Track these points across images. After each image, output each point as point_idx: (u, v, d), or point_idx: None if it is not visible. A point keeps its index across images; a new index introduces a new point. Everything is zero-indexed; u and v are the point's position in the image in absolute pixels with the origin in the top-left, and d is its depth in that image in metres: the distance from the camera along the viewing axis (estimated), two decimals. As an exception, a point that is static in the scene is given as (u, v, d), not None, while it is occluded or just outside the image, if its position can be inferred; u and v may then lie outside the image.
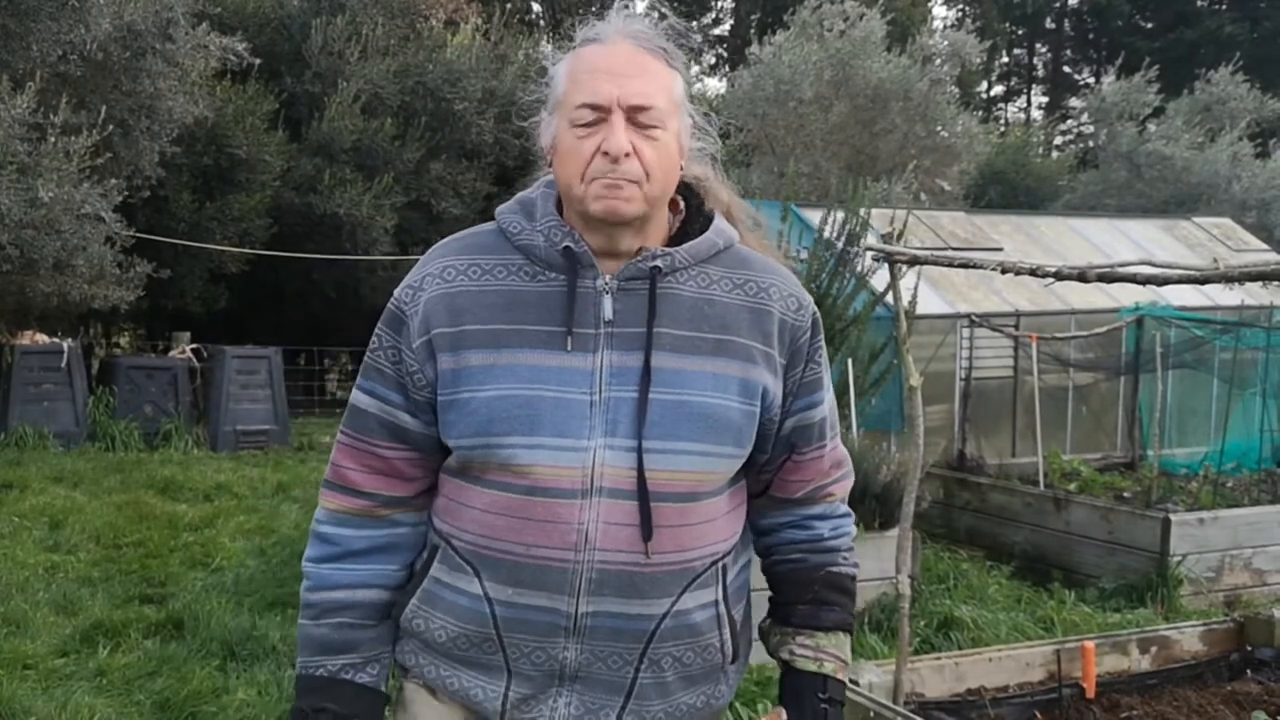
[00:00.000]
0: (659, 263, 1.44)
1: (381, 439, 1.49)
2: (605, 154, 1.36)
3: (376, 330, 1.50)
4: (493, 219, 1.53)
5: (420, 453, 1.49)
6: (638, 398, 1.39)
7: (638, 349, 1.41)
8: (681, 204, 1.53)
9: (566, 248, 1.43)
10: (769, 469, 1.55)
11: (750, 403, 1.45)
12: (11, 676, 4.02)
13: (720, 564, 1.48)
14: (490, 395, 1.39)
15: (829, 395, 1.57)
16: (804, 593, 1.58)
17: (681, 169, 1.48)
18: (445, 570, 1.47)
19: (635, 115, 1.38)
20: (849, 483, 1.65)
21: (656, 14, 1.47)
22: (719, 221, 1.52)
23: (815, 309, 1.54)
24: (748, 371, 1.45)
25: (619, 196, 1.38)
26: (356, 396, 1.52)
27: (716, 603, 1.48)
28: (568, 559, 1.38)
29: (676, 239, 1.50)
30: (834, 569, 1.60)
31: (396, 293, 1.49)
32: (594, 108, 1.38)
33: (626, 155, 1.36)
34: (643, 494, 1.38)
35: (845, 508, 1.64)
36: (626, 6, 1.47)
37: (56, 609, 4.88)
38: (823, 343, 1.55)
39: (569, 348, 1.40)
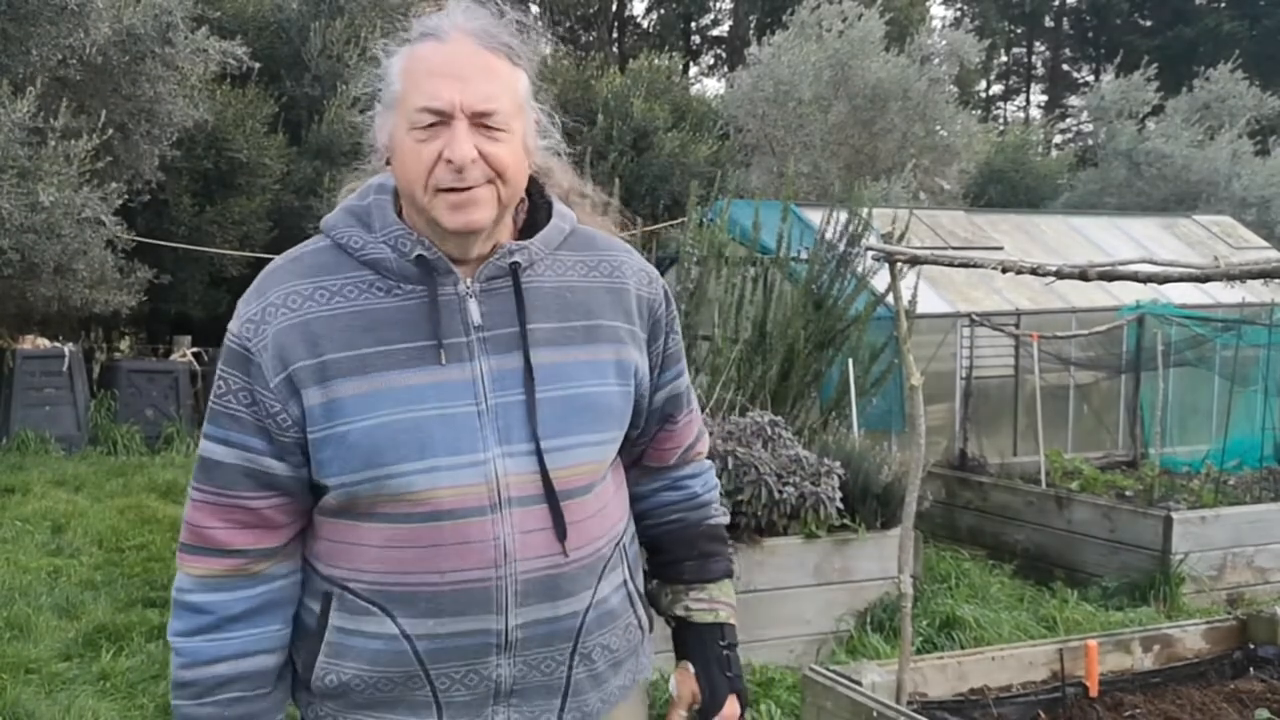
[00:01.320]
0: (518, 258, 1.39)
1: (246, 490, 1.36)
2: (449, 161, 1.30)
3: (220, 373, 1.38)
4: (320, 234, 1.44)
5: (290, 498, 1.39)
6: (525, 400, 1.35)
7: (514, 350, 1.37)
8: (524, 195, 1.47)
9: (420, 256, 1.35)
10: (642, 441, 1.58)
11: (626, 383, 1.45)
12: (15, 681, 4.02)
13: (621, 543, 1.50)
14: (370, 424, 1.31)
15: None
16: (689, 550, 1.61)
17: (530, 166, 1.43)
18: (346, 617, 1.37)
19: (479, 119, 1.31)
20: (707, 438, 1.70)
21: (496, 7, 1.39)
22: (558, 205, 1.49)
23: (663, 279, 1.56)
24: (619, 353, 1.44)
25: (471, 209, 1.32)
26: (209, 448, 1.37)
27: (625, 581, 1.50)
28: (489, 577, 1.34)
29: (525, 231, 1.45)
30: (711, 522, 1.64)
31: (234, 329, 1.37)
32: (434, 112, 1.30)
33: (472, 161, 1.30)
34: (551, 496, 1.36)
35: (709, 461, 1.68)
36: None
37: (59, 613, 4.88)
38: (676, 312, 1.56)
39: (444, 361, 1.33)
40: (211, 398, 1.39)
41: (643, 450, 1.59)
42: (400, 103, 1.34)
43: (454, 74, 1.31)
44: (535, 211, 1.48)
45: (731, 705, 1.55)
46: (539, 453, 1.35)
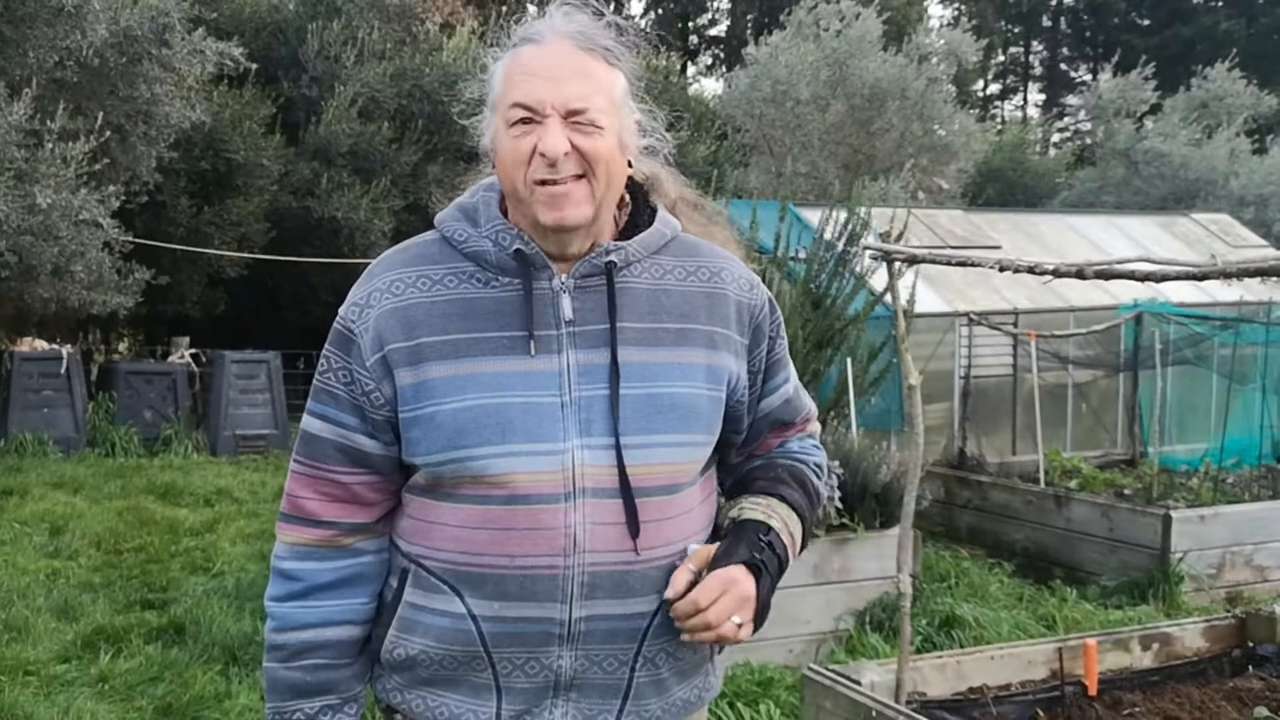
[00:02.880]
0: (614, 257, 1.42)
1: (339, 465, 1.44)
2: (542, 155, 1.34)
3: (324, 352, 1.46)
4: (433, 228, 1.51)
5: (380, 476, 1.45)
6: (609, 395, 1.38)
7: (602, 346, 1.40)
8: (628, 199, 1.51)
9: (518, 250, 1.40)
10: (749, 446, 1.58)
11: (716, 389, 1.45)
12: (13, 683, 4.02)
13: None
14: (456, 407, 1.36)
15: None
16: (766, 473, 1.56)
17: (630, 165, 1.45)
18: (420, 593, 1.42)
19: (572, 116, 1.35)
20: (818, 424, 1.70)
21: (594, 11, 1.43)
22: (663, 213, 1.52)
23: (766, 288, 1.55)
24: (711, 358, 1.45)
25: (566, 205, 1.36)
26: (309, 423, 1.46)
27: None
28: (557, 565, 1.36)
29: (625, 233, 1.48)
30: (800, 467, 1.59)
31: (342, 312, 1.45)
32: (527, 108, 1.35)
33: (565, 154, 1.34)
34: (626, 491, 1.37)
35: (816, 440, 1.67)
36: (567, 4, 1.43)
37: (58, 615, 4.88)
38: (781, 318, 1.56)
39: (533, 351, 1.38)
40: (315, 375, 1.47)
41: (753, 448, 1.60)
42: (499, 103, 1.41)
43: (548, 74, 1.36)
44: (637, 215, 1.51)
45: (742, 573, 1.39)
46: (618, 448, 1.37)
